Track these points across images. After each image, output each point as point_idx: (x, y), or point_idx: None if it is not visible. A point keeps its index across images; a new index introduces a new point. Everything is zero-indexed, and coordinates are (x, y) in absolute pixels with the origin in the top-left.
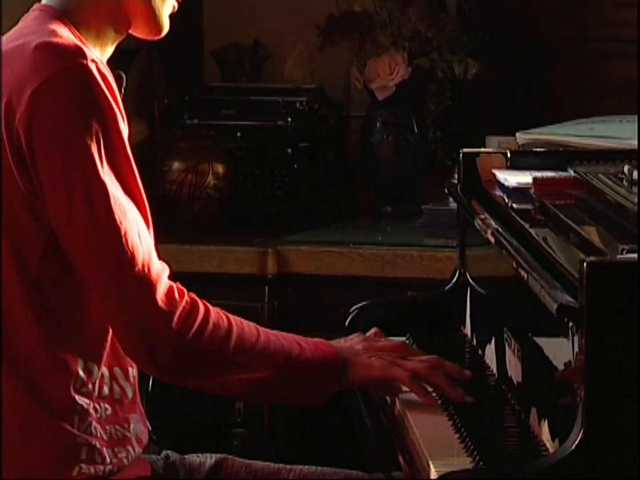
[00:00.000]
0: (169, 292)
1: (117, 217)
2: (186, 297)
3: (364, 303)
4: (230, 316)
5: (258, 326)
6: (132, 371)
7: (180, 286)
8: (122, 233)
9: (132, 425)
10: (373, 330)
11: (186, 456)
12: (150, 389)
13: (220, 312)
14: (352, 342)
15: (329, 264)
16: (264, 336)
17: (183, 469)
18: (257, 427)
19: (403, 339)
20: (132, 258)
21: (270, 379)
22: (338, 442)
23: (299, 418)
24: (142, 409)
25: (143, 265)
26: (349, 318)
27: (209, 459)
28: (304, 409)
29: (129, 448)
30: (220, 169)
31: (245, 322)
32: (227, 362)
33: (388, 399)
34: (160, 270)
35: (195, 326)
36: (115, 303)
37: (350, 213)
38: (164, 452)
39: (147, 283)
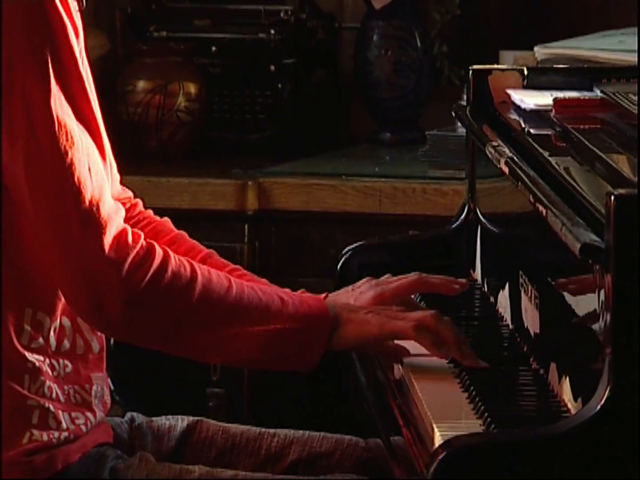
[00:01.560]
0: (121, 236)
1: (62, 145)
2: (141, 242)
3: (358, 244)
4: (196, 264)
5: (231, 276)
6: None
7: (136, 230)
8: (68, 164)
9: (95, 387)
10: (386, 277)
11: (154, 419)
12: (111, 341)
13: (183, 259)
14: (360, 290)
15: (318, 199)
16: (236, 288)
17: (150, 434)
18: (235, 386)
19: None
20: (78, 194)
21: (244, 339)
22: (329, 404)
23: (283, 376)
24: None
25: (91, 204)
26: (341, 261)
27: (180, 422)
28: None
29: (89, 414)
30: (192, 89)
31: (214, 272)
32: (190, 317)
33: None
34: (112, 211)
35: (150, 275)
36: (58, 246)
37: (343, 140)
38: (128, 415)
39: (94, 225)
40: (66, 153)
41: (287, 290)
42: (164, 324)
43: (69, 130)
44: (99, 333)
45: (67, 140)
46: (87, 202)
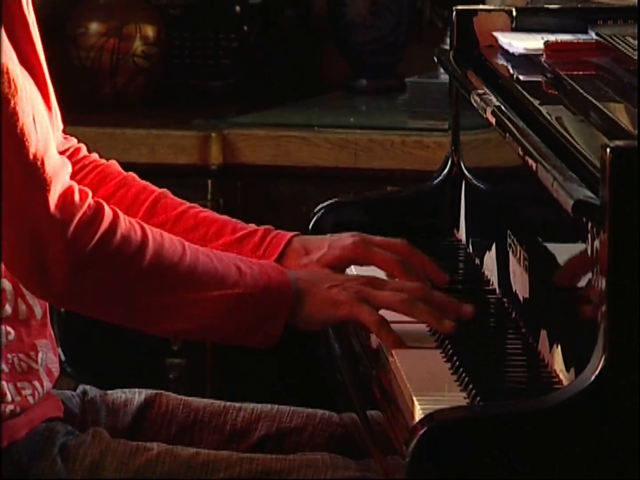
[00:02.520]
0: (67, 194)
1: (4, 93)
2: (89, 201)
3: (331, 201)
4: (148, 227)
5: (186, 242)
6: None
7: (83, 188)
8: (10, 114)
9: (40, 354)
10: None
11: (108, 392)
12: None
13: (134, 221)
14: (338, 236)
15: (287, 152)
16: (191, 255)
17: (105, 408)
18: (197, 356)
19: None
20: (21, 148)
21: (197, 308)
22: (299, 375)
23: None
24: (52, 333)
25: (35, 159)
26: (313, 220)
27: (137, 395)
28: None
29: (36, 383)
30: (150, 31)
31: (168, 236)
32: (138, 285)
33: None
34: (58, 167)
35: (97, 237)
36: None
37: (316, 88)
38: (80, 387)
39: (38, 181)
40: (8, 101)
41: (245, 258)
42: (111, 291)
43: (13, 76)
44: None
45: (9, 87)
46: (30, 156)
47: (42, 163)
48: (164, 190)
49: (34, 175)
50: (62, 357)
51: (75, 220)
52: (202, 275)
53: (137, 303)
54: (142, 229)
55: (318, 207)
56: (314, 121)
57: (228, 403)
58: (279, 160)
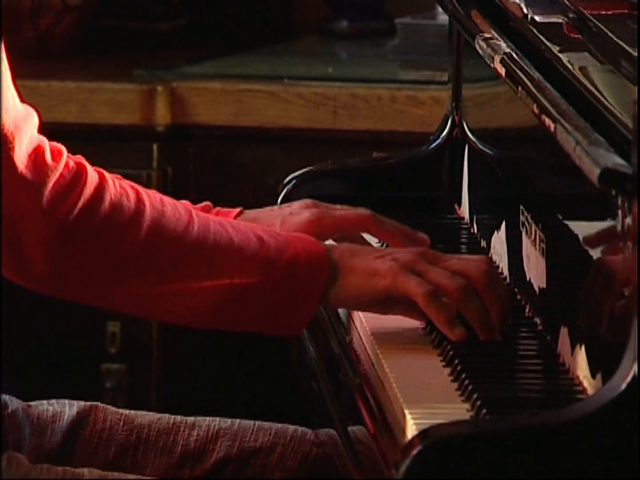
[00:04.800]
0: (37, 152)
1: None
2: (65, 161)
3: (305, 170)
4: (144, 191)
5: (193, 209)
6: None
7: (56, 144)
8: None
9: None
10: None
11: (33, 404)
12: None
13: (125, 184)
14: (290, 210)
15: (251, 110)
16: (199, 224)
17: (28, 425)
18: (140, 360)
19: None
20: None
21: (206, 294)
22: (266, 383)
23: (205, 347)
24: None
25: None
26: (283, 192)
27: (68, 408)
28: (213, 335)
29: None
30: None
31: (170, 202)
32: (134, 265)
33: (341, 314)
34: (20, 119)
35: (80, 205)
36: None
37: (285, 31)
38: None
39: None
40: None
41: (266, 228)
42: (100, 273)
43: None
44: None
45: None
46: None
47: None
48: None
49: None
50: None
51: (51, 184)
52: (214, 246)
53: (129, 288)
54: (137, 193)
55: (288, 178)
56: (283, 72)
57: (179, 418)
58: (241, 120)
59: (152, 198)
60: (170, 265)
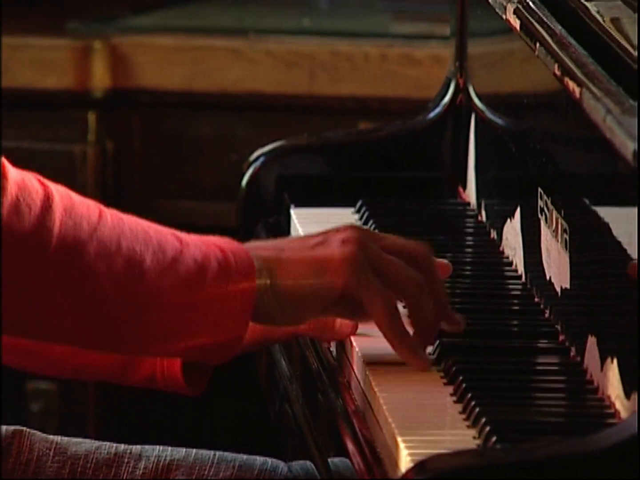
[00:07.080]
0: None
1: None
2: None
3: (275, 145)
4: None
5: (101, 205)
6: None
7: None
8: None
9: None
10: None
11: None
12: None
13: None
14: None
15: (209, 72)
16: (111, 219)
17: None
18: (75, 380)
19: (351, 210)
20: None
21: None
22: (229, 405)
23: None
24: None
25: None
26: (249, 172)
27: None
28: None
29: None
30: None
31: (78, 198)
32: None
33: None
34: None
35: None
36: None
37: None
38: None
39: None
40: None
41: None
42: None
43: None
44: None
45: None
46: None
47: None
48: None
49: None
50: None
51: None
52: (133, 253)
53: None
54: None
55: (255, 154)
56: (247, 24)
57: (122, 447)
58: (197, 84)
59: (61, 194)
60: (75, 278)
